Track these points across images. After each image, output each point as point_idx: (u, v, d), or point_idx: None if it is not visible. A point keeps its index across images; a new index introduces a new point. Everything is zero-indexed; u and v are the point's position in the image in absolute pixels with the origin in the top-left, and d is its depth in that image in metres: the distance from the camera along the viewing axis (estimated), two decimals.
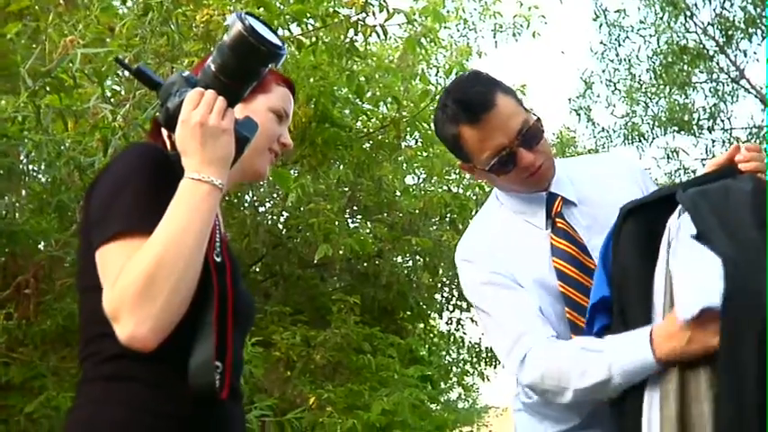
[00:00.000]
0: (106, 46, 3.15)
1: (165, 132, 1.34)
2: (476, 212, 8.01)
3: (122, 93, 3.76)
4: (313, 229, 5.70)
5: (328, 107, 4.87)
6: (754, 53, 7.78)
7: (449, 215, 7.20)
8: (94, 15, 2.67)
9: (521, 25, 8.84)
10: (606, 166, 1.91)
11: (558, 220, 1.71)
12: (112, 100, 3.93)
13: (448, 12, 8.86)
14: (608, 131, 9.09)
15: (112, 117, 2.69)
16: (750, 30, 7.44)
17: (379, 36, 4.64)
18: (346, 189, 6.18)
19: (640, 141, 8.84)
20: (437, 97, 6.36)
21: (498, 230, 1.79)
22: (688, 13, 7.78)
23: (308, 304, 6.76)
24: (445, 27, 8.31)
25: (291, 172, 5.60)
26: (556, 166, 1.75)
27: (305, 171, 5.74)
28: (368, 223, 6.59)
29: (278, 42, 1.27)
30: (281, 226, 6.82)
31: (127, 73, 3.30)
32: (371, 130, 5.55)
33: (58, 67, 2.60)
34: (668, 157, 8.75)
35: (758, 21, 7.36)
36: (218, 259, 1.27)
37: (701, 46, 7.96)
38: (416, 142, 6.09)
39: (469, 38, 9.20)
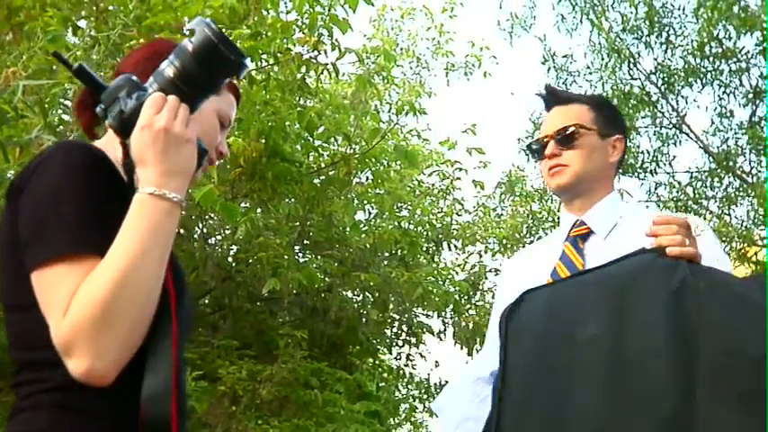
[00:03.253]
0: (54, 77, 3.15)
1: (112, 139, 1.22)
2: (425, 249, 8.05)
3: (73, 122, 3.76)
4: (262, 263, 5.70)
5: (279, 142, 4.90)
6: (694, 100, 8.13)
7: (399, 251, 7.27)
8: (38, 47, 2.67)
9: (472, 65, 9.06)
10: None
11: (578, 238, 1.84)
12: (60, 128, 3.92)
13: (401, 49, 9.05)
14: None
15: None
16: (690, 78, 7.77)
17: (330, 74, 4.72)
18: (296, 224, 6.20)
19: None
20: (387, 134, 6.49)
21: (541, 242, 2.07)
22: (632, 61, 8.07)
23: (256, 338, 6.72)
24: (398, 65, 8.48)
25: (241, 206, 5.62)
26: (614, 204, 1.86)
27: (255, 205, 5.76)
28: (318, 258, 6.61)
29: (244, 54, 1.18)
30: (230, 259, 6.79)
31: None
32: (322, 166, 5.59)
33: None
34: None
35: (698, 70, 7.68)
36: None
37: (645, 92, 8.24)
38: (367, 179, 6.16)
39: (422, 76, 9.38)
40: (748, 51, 7.64)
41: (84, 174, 1.13)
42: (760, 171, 8.06)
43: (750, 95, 7.89)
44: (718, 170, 8.26)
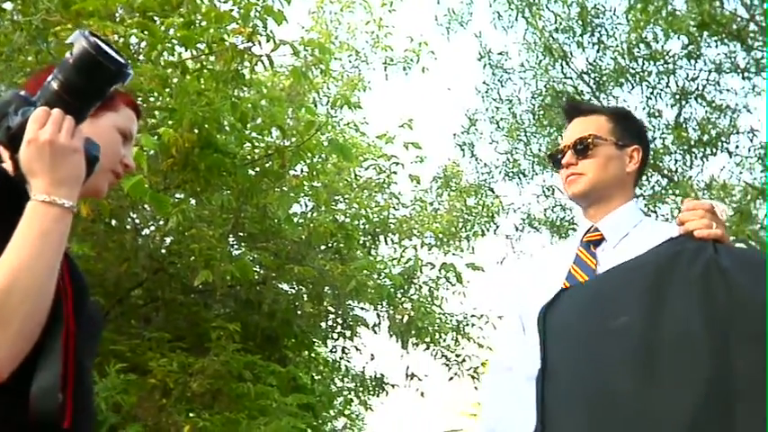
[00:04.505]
0: None
1: (4, 153, 1.27)
2: (362, 242, 8.09)
3: None
4: (195, 255, 5.64)
5: (213, 133, 4.85)
6: (624, 100, 8.34)
7: (334, 244, 7.28)
8: None
9: (411, 60, 9.10)
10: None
11: (590, 243, 1.90)
12: None
13: (340, 42, 9.04)
14: (490, 167, 9.43)
15: None
16: (620, 79, 7.99)
17: (265, 66, 4.70)
18: (230, 216, 6.15)
19: (520, 178, 9.23)
20: (324, 127, 6.49)
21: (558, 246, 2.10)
22: (565, 60, 8.25)
23: (189, 331, 6.65)
24: (336, 58, 8.46)
25: (174, 197, 5.54)
26: (629, 213, 1.92)
27: (187, 196, 5.69)
28: (252, 250, 6.57)
29: (124, 61, 1.24)
30: (163, 251, 6.70)
31: None
32: (256, 158, 5.56)
33: None
34: (545, 194, 9.18)
35: (627, 70, 7.90)
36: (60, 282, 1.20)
37: (577, 91, 8.43)
38: (302, 171, 6.15)
39: (361, 69, 9.38)
40: (675, 54, 7.90)
41: None
42: (686, 170, 8.35)
43: (677, 96, 8.16)
44: (646, 169, 8.49)
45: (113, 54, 1.22)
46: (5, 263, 1.12)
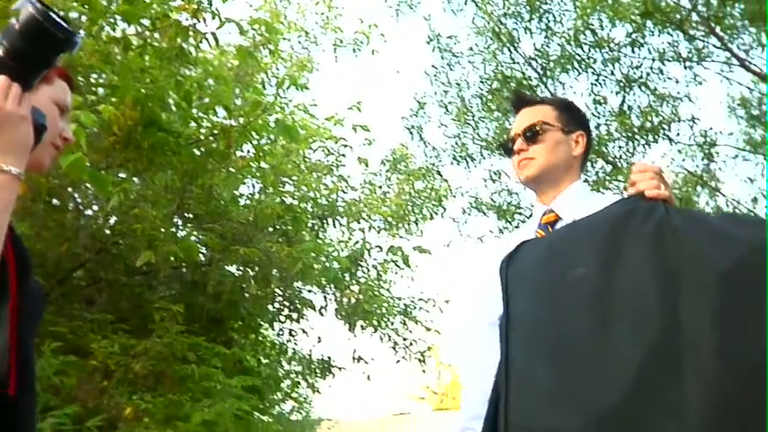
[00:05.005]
0: None
1: None
2: (311, 225, 8.08)
3: None
4: (137, 236, 5.56)
5: (156, 111, 4.77)
6: (571, 86, 8.46)
7: (282, 227, 7.24)
8: None
9: (360, 42, 9.07)
10: None
11: (548, 225, 1.97)
12: None
13: (289, 23, 8.94)
14: (438, 150, 9.48)
15: None
16: (566, 65, 8.09)
17: (210, 44, 4.64)
18: (175, 196, 6.07)
19: (467, 162, 9.30)
20: (272, 108, 6.43)
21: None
22: (513, 45, 8.31)
23: (132, 312, 6.56)
24: (285, 39, 8.38)
25: (118, 176, 5.44)
26: (580, 192, 2.00)
27: (130, 175, 5.59)
28: (197, 231, 6.50)
29: (72, 29, 1.22)
30: (107, 231, 6.58)
31: None
32: (201, 138, 5.48)
33: None
34: (492, 179, 9.27)
35: (573, 57, 8.00)
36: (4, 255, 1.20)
37: (525, 76, 8.52)
38: (248, 152, 6.09)
39: (310, 50, 9.31)
40: (620, 42, 8.03)
41: None
42: (629, 156, 8.51)
43: (621, 84, 8.30)
44: (591, 155, 8.64)
45: (61, 21, 1.20)
46: None
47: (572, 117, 2.07)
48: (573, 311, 1.46)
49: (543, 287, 1.55)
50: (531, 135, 2.00)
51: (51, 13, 1.19)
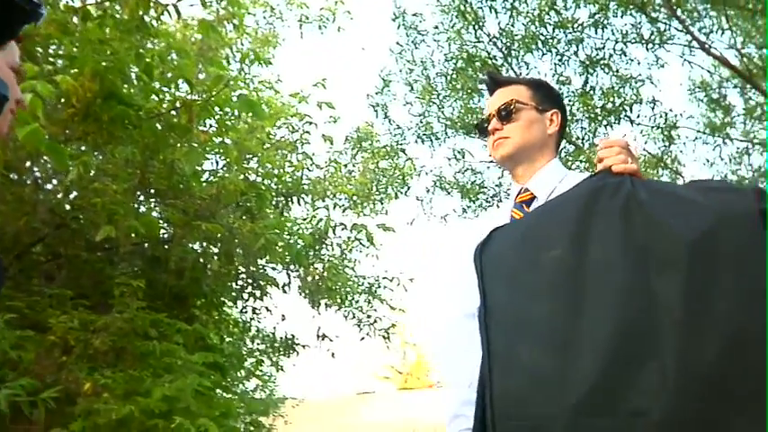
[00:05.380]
0: None
1: None
2: (275, 203, 8.06)
3: None
4: (97, 210, 5.49)
5: (116, 84, 4.71)
6: (535, 66, 8.51)
7: (245, 203, 7.20)
8: None
9: (326, 18, 9.01)
10: None
11: (523, 204, 1.99)
12: None
13: None
14: (403, 129, 9.49)
15: None
16: (531, 45, 8.13)
17: (170, 15, 4.58)
18: (136, 170, 6.00)
19: (432, 141, 9.33)
20: (236, 84, 6.38)
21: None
22: (478, 24, 8.33)
23: (93, 288, 6.50)
24: (250, 14, 8.30)
25: (80, 149, 5.36)
26: (554, 170, 2.01)
27: (90, 149, 5.52)
28: (159, 207, 6.44)
29: (38, 0, 1.20)
30: (67, 206, 6.49)
31: None
32: (163, 112, 5.42)
33: None
34: (456, 158, 9.32)
35: (537, 37, 8.05)
36: None
37: (490, 56, 8.54)
38: (211, 127, 6.04)
39: (275, 26, 9.22)
40: (583, 23, 8.09)
41: None
42: (590, 138, 8.61)
43: (585, 64, 8.38)
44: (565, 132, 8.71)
45: None
46: None
47: (546, 96, 2.09)
48: (549, 294, 1.49)
49: (519, 272, 1.57)
50: (506, 114, 2.02)
51: None
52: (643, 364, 1.34)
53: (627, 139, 1.65)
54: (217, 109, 5.68)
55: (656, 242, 1.41)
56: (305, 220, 8.56)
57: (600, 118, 8.36)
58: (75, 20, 4.44)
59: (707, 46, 8.53)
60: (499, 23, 8.28)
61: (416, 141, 9.35)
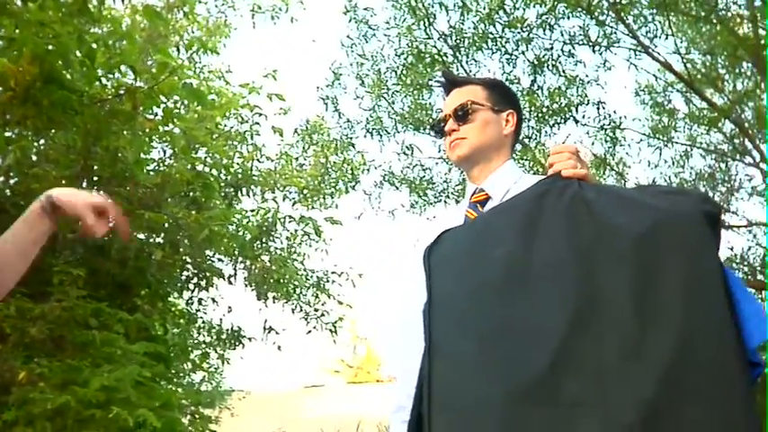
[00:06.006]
0: None
1: None
2: (223, 194, 7.99)
3: None
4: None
5: (57, 68, 4.63)
6: (485, 65, 8.60)
7: (191, 193, 7.14)
8: None
9: (279, 9, 8.98)
10: None
11: (477, 204, 2.01)
12: None
13: None
14: (353, 123, 9.51)
15: None
16: (481, 44, 8.22)
17: (115, 1, 4.53)
18: (78, 157, 5.91)
19: (381, 136, 9.36)
20: (183, 72, 6.31)
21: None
22: (428, 21, 8.39)
23: (33, 276, 6.37)
24: (201, 2, 8.23)
25: (15, 133, 5.27)
26: (509, 171, 2.03)
27: (30, 133, 5.42)
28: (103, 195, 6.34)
29: None
30: (7, 191, 6.36)
31: None
32: (107, 98, 5.35)
33: None
34: (405, 153, 9.37)
35: (487, 36, 8.15)
36: None
37: (439, 53, 8.61)
38: (156, 116, 5.97)
39: (227, 15, 9.15)
40: (531, 23, 8.20)
41: None
42: (537, 137, 8.74)
43: (533, 64, 8.50)
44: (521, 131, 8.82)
45: None
46: None
47: (502, 96, 2.10)
48: (494, 288, 1.52)
49: (466, 268, 1.60)
50: (462, 115, 2.02)
51: None
52: (585, 355, 1.37)
53: (577, 144, 1.71)
54: (163, 97, 5.63)
55: (602, 237, 1.46)
56: (253, 212, 8.52)
57: (546, 117, 8.49)
58: (16, 1, 4.36)
59: (650, 50, 8.73)
60: (449, 21, 8.35)
61: (366, 136, 9.38)
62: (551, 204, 1.55)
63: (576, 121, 8.54)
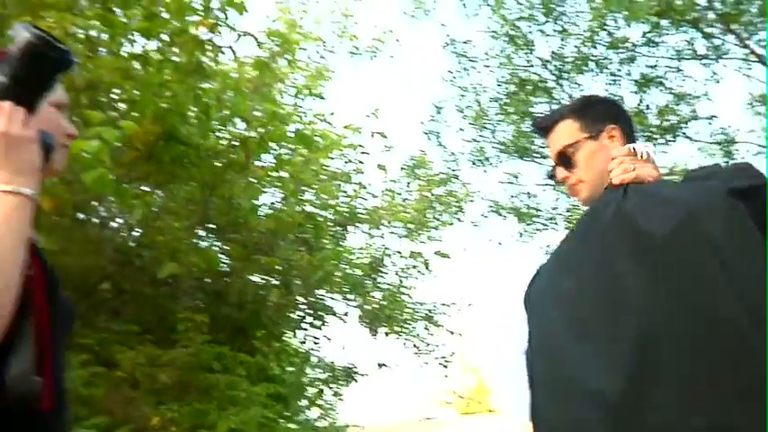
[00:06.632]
0: None
1: None
2: (331, 233, 8.11)
3: None
4: (161, 247, 5.64)
5: (176, 125, 4.84)
6: (588, 87, 8.46)
7: (302, 235, 7.29)
8: None
9: (377, 48, 9.12)
10: None
11: None
12: None
13: (306, 32, 9.01)
14: (456, 155, 9.51)
15: None
16: (583, 66, 8.09)
17: (228, 57, 4.71)
18: (196, 207, 6.14)
19: (485, 165, 9.31)
20: (290, 118, 6.48)
21: None
22: (529, 48, 8.33)
23: (157, 323, 6.63)
24: (302, 48, 8.45)
25: (141, 188, 5.52)
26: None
27: (152, 188, 5.68)
28: (219, 242, 6.56)
29: (67, 48, 1.26)
30: (131, 243, 6.67)
31: None
32: (221, 149, 5.56)
33: None
34: (510, 182, 9.28)
35: (589, 58, 8.01)
36: (30, 271, 1.23)
37: (541, 78, 8.52)
38: (268, 162, 6.15)
39: (327, 59, 9.37)
40: (635, 41, 8.01)
41: None
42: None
43: (638, 83, 8.28)
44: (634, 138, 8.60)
45: (56, 43, 1.25)
46: None
47: (596, 114, 1.96)
48: (555, 340, 1.54)
49: (543, 306, 1.63)
50: (566, 161, 1.92)
51: (45, 36, 1.23)
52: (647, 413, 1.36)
53: (634, 145, 1.63)
54: (273, 144, 5.79)
55: (646, 254, 1.44)
56: (361, 249, 8.61)
57: (656, 136, 8.23)
58: (136, 65, 4.60)
59: (765, 58, 8.35)
60: (550, 46, 8.27)
61: (470, 167, 9.35)
62: (598, 224, 1.55)
63: (690, 138, 8.24)
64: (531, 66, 8.44)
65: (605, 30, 7.89)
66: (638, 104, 8.34)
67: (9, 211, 1.19)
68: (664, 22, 7.72)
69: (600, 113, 1.97)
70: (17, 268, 1.18)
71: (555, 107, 8.81)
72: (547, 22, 8.09)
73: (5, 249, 1.16)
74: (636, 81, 8.27)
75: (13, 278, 1.17)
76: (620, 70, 8.18)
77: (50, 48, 1.24)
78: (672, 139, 8.16)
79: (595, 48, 8.03)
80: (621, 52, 8.05)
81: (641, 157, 1.62)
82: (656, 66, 8.15)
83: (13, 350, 1.18)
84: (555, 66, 8.26)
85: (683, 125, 8.22)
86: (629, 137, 1.92)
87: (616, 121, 1.95)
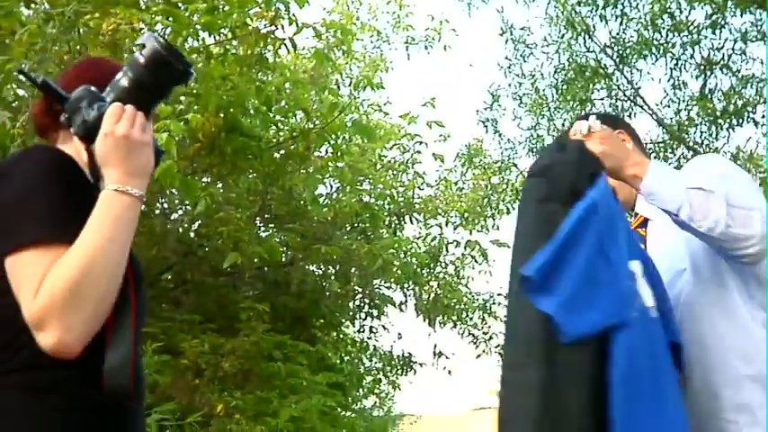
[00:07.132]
0: (7, 52, 3.14)
1: (76, 144, 1.35)
2: (388, 222, 8.13)
3: (28, 98, 3.72)
4: (223, 238, 5.73)
5: (238, 117, 4.91)
6: (648, 72, 8.26)
7: (360, 224, 7.33)
8: None
9: (432, 38, 9.07)
10: None
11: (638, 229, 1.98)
12: (15, 104, 3.89)
13: (361, 23, 9.03)
14: (513, 143, 9.40)
15: (11, 124, 2.68)
16: (643, 51, 7.90)
17: (288, 49, 4.74)
18: (257, 198, 6.22)
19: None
20: (347, 109, 6.51)
21: None
22: (588, 33, 8.17)
23: (218, 312, 6.75)
24: (358, 39, 8.46)
25: (202, 180, 5.62)
26: None
27: (215, 180, 5.76)
28: (279, 232, 6.63)
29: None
30: (192, 234, 6.79)
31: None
32: (281, 141, 5.61)
33: None
34: None
35: (650, 42, 7.81)
36: None
37: (600, 65, 8.36)
38: (326, 152, 6.19)
39: (382, 50, 9.36)
40: (699, 24, 7.79)
41: (56, 173, 1.28)
42: (711, 142, 8.25)
43: (702, 67, 8.06)
44: (671, 141, 8.45)
45: (181, 55, 1.33)
46: (82, 246, 1.20)
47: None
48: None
49: None
50: None
51: (173, 47, 1.31)
52: None
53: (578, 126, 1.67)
54: (331, 134, 5.82)
55: None
56: (418, 238, 8.60)
57: (720, 121, 8.00)
58: (199, 59, 4.66)
59: None
60: (610, 31, 8.10)
61: (527, 155, 9.24)
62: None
63: (756, 123, 7.99)
64: (590, 51, 8.28)
65: (668, 12, 7.69)
66: (702, 88, 8.12)
67: (121, 211, 1.26)
68: (728, 3, 7.49)
69: (607, 123, 1.95)
70: (123, 269, 1.25)
71: (615, 94, 8.67)
72: (606, 6, 7.92)
73: (117, 251, 1.23)
74: (699, 65, 8.05)
75: (119, 278, 1.24)
76: (683, 54, 7.97)
77: (176, 59, 1.31)
78: (738, 123, 7.92)
79: (658, 32, 7.83)
80: (684, 35, 7.84)
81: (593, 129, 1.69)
82: (721, 48, 7.91)
83: (113, 343, 1.23)
84: (615, 51, 8.10)
85: (749, 109, 7.96)
86: (636, 141, 1.98)
87: (623, 127, 2.01)
